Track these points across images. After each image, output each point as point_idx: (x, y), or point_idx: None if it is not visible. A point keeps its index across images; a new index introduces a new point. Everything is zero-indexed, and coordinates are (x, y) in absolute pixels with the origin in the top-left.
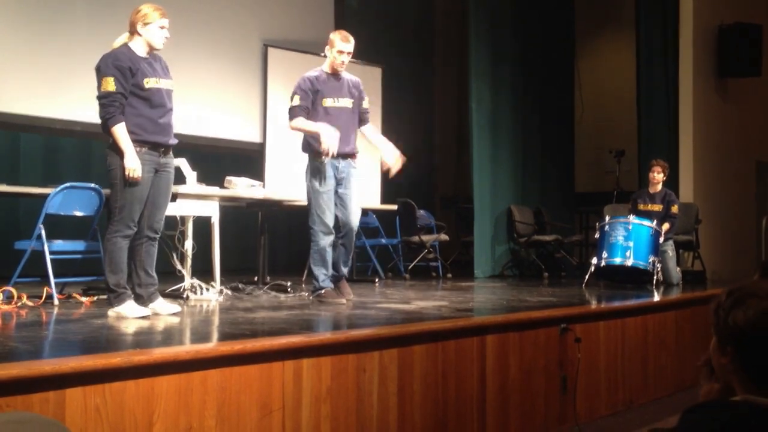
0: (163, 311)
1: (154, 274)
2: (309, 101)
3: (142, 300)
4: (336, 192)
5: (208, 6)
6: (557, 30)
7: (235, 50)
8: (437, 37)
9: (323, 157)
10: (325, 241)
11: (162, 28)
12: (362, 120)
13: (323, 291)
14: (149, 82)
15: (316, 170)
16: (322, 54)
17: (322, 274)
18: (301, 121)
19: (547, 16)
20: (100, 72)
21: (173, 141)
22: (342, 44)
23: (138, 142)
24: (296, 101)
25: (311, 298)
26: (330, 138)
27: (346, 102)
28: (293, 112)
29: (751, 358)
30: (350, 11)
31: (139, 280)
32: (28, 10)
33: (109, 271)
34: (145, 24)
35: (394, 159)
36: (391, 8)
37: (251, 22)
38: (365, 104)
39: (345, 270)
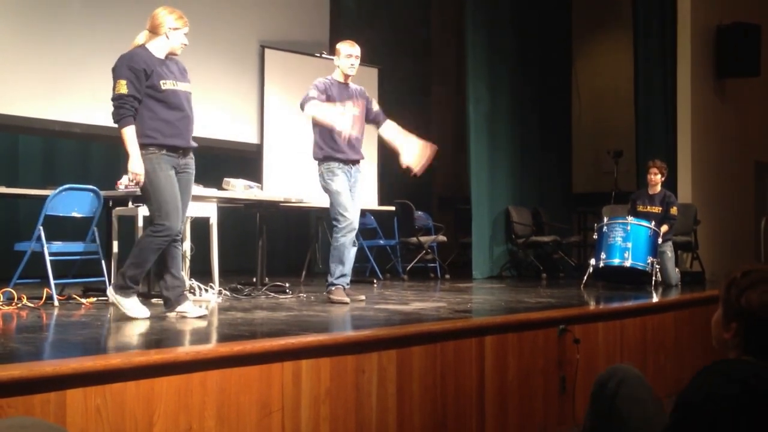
0: (191, 314)
1: (181, 276)
2: (323, 97)
3: (170, 303)
4: None
5: (205, 7)
6: (555, 30)
7: (232, 51)
8: (434, 38)
9: (338, 150)
10: (347, 238)
11: (185, 35)
12: (379, 121)
13: (333, 288)
14: (166, 84)
15: (330, 173)
16: (318, 54)
17: (338, 271)
18: (315, 105)
19: (544, 17)
20: (115, 73)
21: (192, 144)
22: (349, 49)
23: (156, 145)
24: (311, 92)
25: (324, 293)
26: (343, 121)
27: (356, 110)
28: (306, 99)
29: (755, 337)
30: (347, 12)
31: (165, 284)
32: (27, 12)
33: (132, 263)
34: (175, 29)
35: (414, 157)
36: (387, 9)
37: (248, 23)
38: (375, 106)
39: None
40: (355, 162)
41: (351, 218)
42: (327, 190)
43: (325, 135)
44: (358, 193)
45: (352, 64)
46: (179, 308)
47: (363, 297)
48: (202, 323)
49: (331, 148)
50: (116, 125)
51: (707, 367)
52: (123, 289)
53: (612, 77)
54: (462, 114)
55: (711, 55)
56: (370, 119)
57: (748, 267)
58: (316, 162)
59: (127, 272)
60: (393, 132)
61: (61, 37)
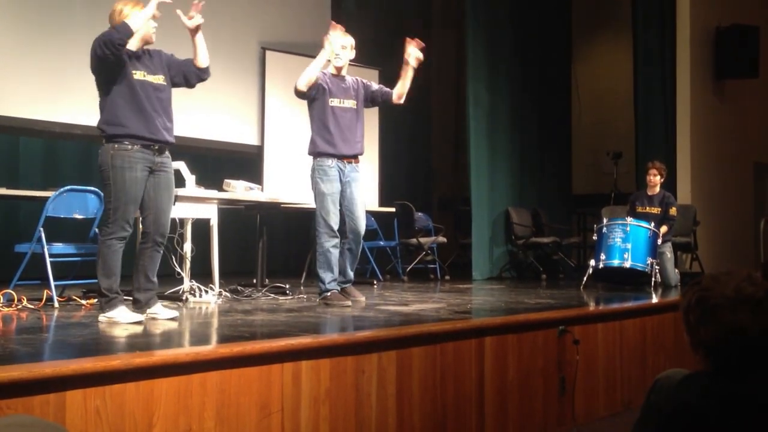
0: (162, 316)
1: (155, 280)
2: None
3: (140, 305)
4: (342, 196)
5: (205, 9)
6: (554, 32)
7: (232, 53)
8: (434, 39)
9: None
10: (330, 243)
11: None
12: (386, 94)
13: (329, 294)
14: (137, 75)
15: (321, 172)
16: None
17: (329, 277)
18: (301, 75)
19: (544, 19)
20: (95, 43)
21: (168, 138)
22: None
23: (129, 137)
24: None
25: (318, 300)
26: (333, 38)
27: (351, 103)
28: (296, 84)
29: (722, 364)
30: (347, 14)
31: (138, 285)
32: (28, 14)
33: (101, 275)
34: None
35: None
36: (387, 11)
37: (249, 25)
38: (375, 85)
39: (352, 274)
40: (351, 159)
41: (332, 224)
42: (314, 189)
43: (319, 128)
44: (359, 194)
45: (337, 54)
46: (149, 310)
47: (363, 298)
48: (201, 324)
49: (324, 141)
50: (122, 42)
51: (684, 378)
52: (107, 303)
53: (611, 79)
54: (462, 115)
55: (710, 56)
56: (379, 101)
57: (700, 290)
58: (311, 157)
59: (102, 285)
60: (400, 84)
61: (62, 39)
